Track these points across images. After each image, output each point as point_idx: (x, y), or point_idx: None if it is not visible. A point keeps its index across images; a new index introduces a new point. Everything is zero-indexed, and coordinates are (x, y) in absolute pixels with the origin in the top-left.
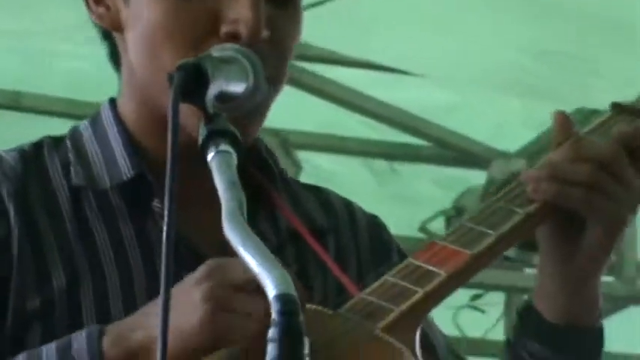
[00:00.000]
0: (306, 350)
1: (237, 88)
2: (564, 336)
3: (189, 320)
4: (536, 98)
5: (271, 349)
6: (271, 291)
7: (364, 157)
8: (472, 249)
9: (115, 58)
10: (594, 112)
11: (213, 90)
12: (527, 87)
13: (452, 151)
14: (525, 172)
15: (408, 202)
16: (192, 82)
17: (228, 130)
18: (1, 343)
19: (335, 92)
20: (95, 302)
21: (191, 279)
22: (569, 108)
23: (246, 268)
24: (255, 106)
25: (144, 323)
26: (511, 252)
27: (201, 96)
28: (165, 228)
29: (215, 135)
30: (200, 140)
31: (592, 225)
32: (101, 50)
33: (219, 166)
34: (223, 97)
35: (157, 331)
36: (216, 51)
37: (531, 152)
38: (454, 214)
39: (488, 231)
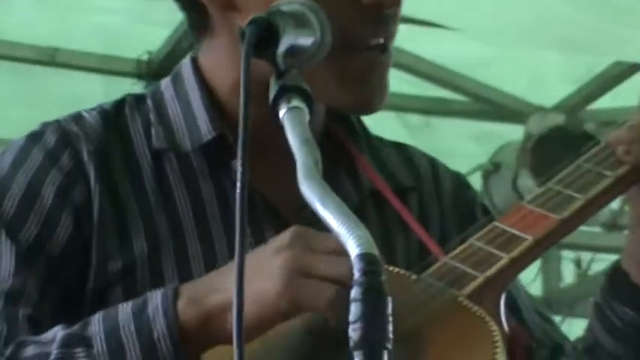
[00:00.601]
0: (390, 310)
1: (306, 41)
2: None
3: (269, 285)
4: (574, 51)
5: (354, 309)
6: (353, 250)
7: (399, 112)
8: (560, 213)
9: (200, 21)
10: (634, 66)
11: (283, 44)
12: (564, 40)
13: (488, 105)
14: (614, 134)
15: (443, 157)
16: (263, 37)
17: (300, 85)
18: (84, 303)
19: None
20: (177, 266)
21: (273, 244)
22: (607, 61)
23: (330, 238)
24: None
25: (220, 285)
26: None
27: (272, 50)
28: (239, 183)
29: (286, 91)
30: (271, 96)
31: None
32: (133, 4)
33: (292, 122)
34: (293, 51)
35: (231, 295)
36: (285, 5)
37: (569, 107)
38: (491, 169)
39: (577, 195)
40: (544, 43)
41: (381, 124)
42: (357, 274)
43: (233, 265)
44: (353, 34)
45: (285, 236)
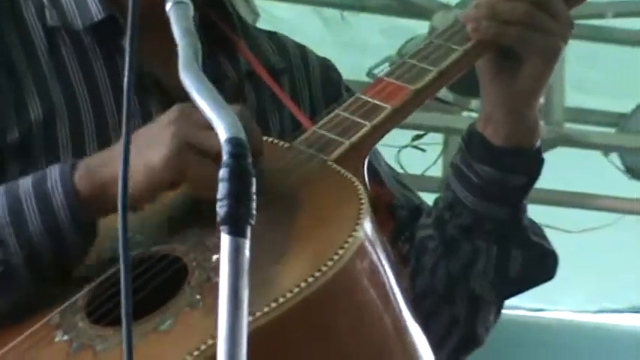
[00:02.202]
0: (254, 189)
1: None
2: (512, 157)
3: (158, 155)
4: None
5: (221, 188)
6: (222, 134)
7: (316, 6)
8: (415, 84)
9: None
10: None
11: None
12: None
13: (398, 2)
14: (464, 12)
15: (356, 49)
16: None
17: None
18: None
19: None
20: (71, 136)
21: (162, 119)
22: None
23: None
24: None
25: (114, 157)
26: (449, 96)
27: None
28: (126, 62)
29: None
30: None
31: (530, 58)
32: None
33: (177, 16)
34: None
35: (116, 168)
36: None
37: (471, 3)
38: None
39: (430, 67)
40: None
41: (298, 17)
42: (224, 156)
43: (114, 146)
44: None
45: (172, 111)
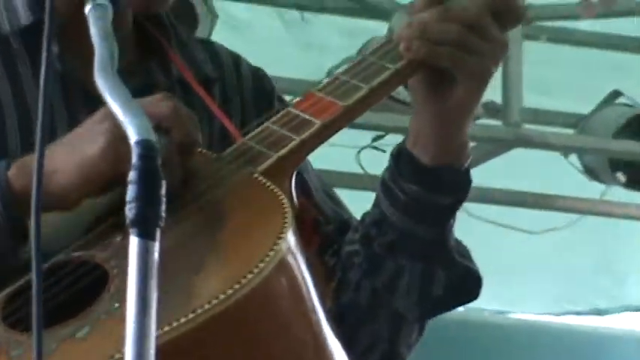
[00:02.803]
0: (163, 191)
1: None
2: (439, 176)
3: (92, 148)
4: None
5: (131, 190)
6: (132, 137)
7: (276, 7)
8: (345, 101)
9: None
10: None
11: None
12: None
13: (357, 3)
14: (398, 31)
15: (316, 49)
16: None
17: None
18: None
19: None
20: None
21: (96, 116)
22: None
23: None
24: None
25: (48, 156)
26: (410, 98)
27: None
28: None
29: None
30: None
31: (460, 79)
32: None
33: (95, 18)
34: None
35: (53, 162)
36: None
37: None
38: None
39: (361, 84)
40: None
41: (258, 18)
42: (134, 159)
43: (57, 141)
44: None
45: (103, 111)
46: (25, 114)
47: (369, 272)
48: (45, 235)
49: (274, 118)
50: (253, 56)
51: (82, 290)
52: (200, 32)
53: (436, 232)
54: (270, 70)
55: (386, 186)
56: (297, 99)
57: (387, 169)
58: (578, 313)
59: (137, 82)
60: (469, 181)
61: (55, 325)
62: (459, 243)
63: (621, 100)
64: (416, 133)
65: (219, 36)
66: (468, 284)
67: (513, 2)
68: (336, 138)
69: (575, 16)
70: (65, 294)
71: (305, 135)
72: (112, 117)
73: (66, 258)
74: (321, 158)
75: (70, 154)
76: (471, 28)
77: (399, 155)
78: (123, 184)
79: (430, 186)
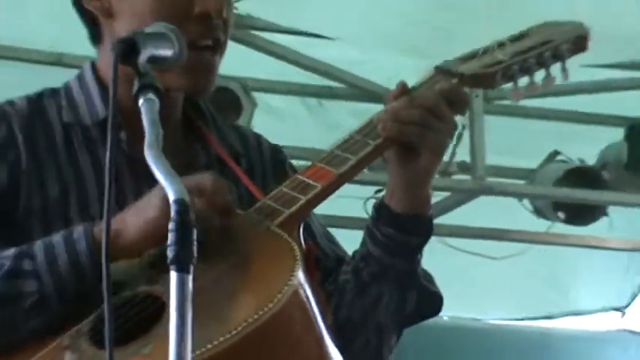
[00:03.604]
0: (194, 237)
1: (166, 52)
2: (407, 222)
3: (153, 211)
4: (416, 57)
5: (170, 237)
6: (171, 196)
7: (300, 96)
8: (338, 169)
9: (95, 36)
10: None
11: (144, 55)
12: (410, 48)
13: (362, 91)
14: (375, 115)
15: (331, 128)
16: (126, 49)
17: (153, 83)
18: (13, 231)
19: (278, 51)
20: (79, 208)
21: (154, 191)
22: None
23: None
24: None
25: (121, 220)
26: None
27: (134, 59)
28: (108, 152)
29: (143, 87)
30: (133, 91)
31: (424, 150)
32: None
33: (145, 110)
34: (156, 60)
35: (124, 223)
36: (148, 28)
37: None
38: None
39: (350, 156)
40: (396, 49)
41: (287, 105)
42: (172, 213)
43: (129, 207)
44: (188, 36)
45: (158, 186)
46: (102, 187)
47: (358, 295)
48: (117, 275)
49: (286, 183)
50: (283, 133)
51: (147, 317)
52: (244, 117)
53: (407, 264)
54: (296, 143)
55: (369, 230)
56: (303, 169)
57: (371, 217)
58: (533, 318)
59: (184, 159)
60: (431, 226)
61: (128, 343)
62: (425, 271)
63: (560, 157)
64: (391, 191)
65: (259, 119)
66: (432, 303)
67: (460, 93)
68: (348, 191)
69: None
70: (135, 319)
71: (309, 196)
72: (161, 189)
73: (135, 292)
74: (338, 207)
75: (136, 217)
76: (429, 111)
77: (380, 207)
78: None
79: (402, 230)
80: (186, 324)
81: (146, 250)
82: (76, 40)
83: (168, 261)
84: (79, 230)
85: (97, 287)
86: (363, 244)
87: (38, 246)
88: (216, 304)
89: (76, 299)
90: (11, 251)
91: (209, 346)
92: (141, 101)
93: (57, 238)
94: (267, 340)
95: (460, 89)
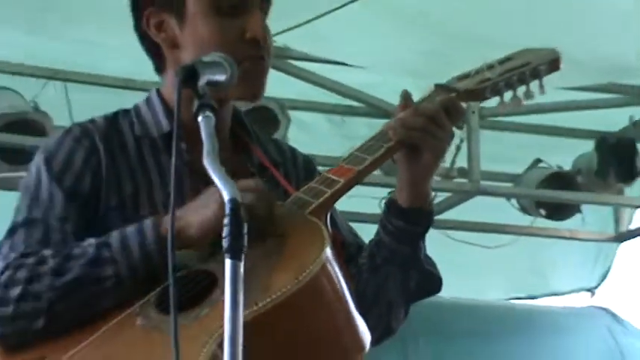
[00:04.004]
0: (245, 231)
1: (221, 77)
2: (411, 214)
3: (207, 211)
4: (422, 79)
5: (224, 230)
6: (225, 196)
7: (326, 114)
8: (358, 167)
9: (159, 65)
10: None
11: (202, 79)
12: (417, 72)
13: (377, 109)
14: (387, 123)
15: (351, 139)
16: (188, 75)
17: (210, 103)
18: (95, 224)
19: (309, 76)
20: (149, 205)
21: (208, 191)
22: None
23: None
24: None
25: (182, 214)
26: None
27: (194, 83)
28: (173, 159)
29: (202, 106)
30: (193, 110)
31: (426, 151)
32: None
33: (204, 126)
34: (212, 84)
35: (185, 220)
36: (205, 57)
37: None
38: None
39: (367, 157)
40: (404, 72)
41: (315, 120)
42: (227, 210)
43: (188, 204)
44: (242, 54)
45: (214, 186)
46: (166, 189)
47: (372, 274)
48: (181, 257)
49: (316, 180)
50: (311, 144)
51: (204, 287)
52: (280, 130)
53: (411, 249)
54: (321, 152)
55: (382, 221)
56: (330, 168)
57: (383, 211)
58: (520, 298)
59: (233, 167)
60: (432, 217)
61: (188, 310)
62: (428, 257)
63: (541, 164)
64: (399, 188)
65: (292, 132)
66: (432, 283)
67: (456, 105)
68: (366, 192)
69: (511, 113)
70: (195, 289)
71: (334, 189)
72: (218, 191)
73: (195, 268)
74: (359, 205)
75: (194, 215)
76: (431, 120)
77: (390, 202)
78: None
79: (407, 221)
80: (238, 300)
81: (203, 241)
82: (142, 68)
83: (224, 250)
84: (147, 224)
85: (163, 270)
86: (377, 233)
87: (114, 237)
88: (259, 276)
89: (146, 280)
90: (92, 241)
91: (254, 307)
92: (200, 118)
93: (130, 229)
94: (302, 302)
95: (457, 102)
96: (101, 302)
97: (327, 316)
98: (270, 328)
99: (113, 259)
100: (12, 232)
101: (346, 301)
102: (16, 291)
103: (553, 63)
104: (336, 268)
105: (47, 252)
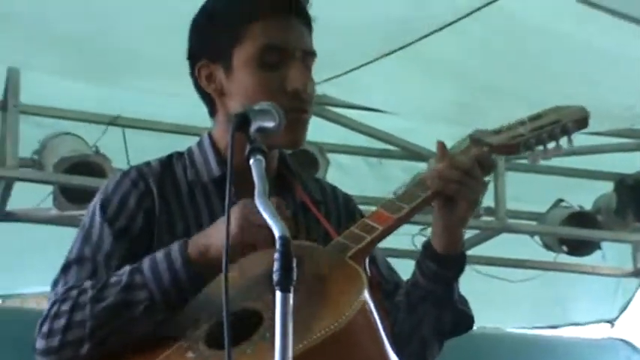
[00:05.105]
0: (294, 265)
1: (270, 124)
2: (446, 259)
3: (232, 228)
4: (453, 126)
5: (275, 264)
6: (277, 233)
7: (363, 156)
8: (397, 214)
9: (211, 110)
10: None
11: (254, 126)
12: (449, 119)
13: (411, 153)
14: (424, 173)
15: (387, 180)
16: (241, 122)
17: (260, 147)
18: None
19: (347, 122)
20: None
21: (233, 209)
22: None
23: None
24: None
25: (206, 235)
26: None
27: (247, 129)
28: (227, 199)
29: (253, 150)
30: (245, 153)
31: (460, 201)
32: None
33: (255, 168)
34: (262, 130)
35: (212, 239)
36: (256, 105)
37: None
38: None
39: (405, 205)
40: (437, 120)
41: (353, 163)
42: (277, 245)
43: (214, 225)
44: (284, 106)
45: (237, 205)
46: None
47: (408, 313)
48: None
49: (356, 225)
50: (350, 185)
51: (249, 326)
52: (320, 172)
53: (446, 291)
54: (359, 193)
55: (418, 263)
56: (369, 213)
57: (420, 253)
58: (542, 327)
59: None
60: (464, 261)
61: (236, 346)
62: (461, 297)
63: (563, 204)
64: (434, 233)
65: (331, 174)
66: (465, 322)
67: (489, 159)
68: (401, 229)
69: None
70: (241, 328)
71: (373, 235)
72: (236, 211)
73: (242, 307)
74: (394, 241)
75: (220, 232)
76: (466, 173)
77: (426, 246)
78: (247, 248)
79: (441, 265)
80: (288, 331)
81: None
82: (194, 115)
83: (274, 283)
84: (175, 247)
85: (194, 293)
86: (414, 274)
87: (145, 263)
88: (303, 317)
89: (178, 305)
90: (127, 268)
91: (300, 345)
92: (252, 161)
93: (159, 254)
94: (341, 343)
95: (489, 156)
96: (138, 326)
97: (365, 352)
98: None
99: (144, 284)
100: (66, 268)
101: (382, 342)
102: (61, 322)
103: (582, 121)
104: (373, 310)
105: (88, 283)
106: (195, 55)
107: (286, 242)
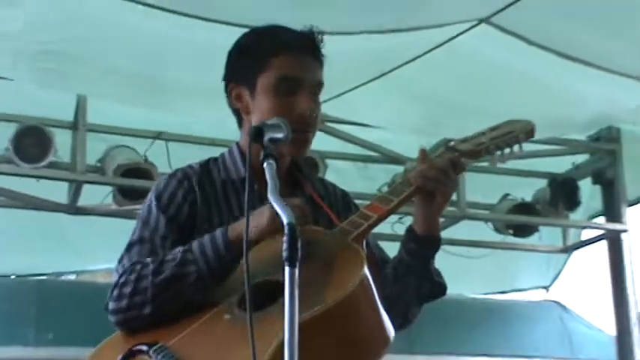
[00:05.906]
0: (300, 246)
1: (279, 135)
2: (425, 240)
3: (264, 219)
4: (427, 136)
5: (284, 245)
6: (284, 219)
7: (352, 162)
8: (387, 206)
9: (240, 123)
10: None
11: (266, 137)
12: (421, 131)
13: (390, 158)
14: (409, 173)
15: (372, 180)
16: (256, 133)
17: (272, 153)
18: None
19: (341, 135)
20: None
21: (262, 208)
22: (436, 140)
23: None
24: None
25: (242, 223)
26: None
27: (261, 139)
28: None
29: (266, 156)
30: (260, 158)
31: (438, 196)
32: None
33: (268, 170)
34: (273, 140)
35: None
36: (269, 120)
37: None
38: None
39: (393, 198)
40: (412, 132)
41: (344, 167)
42: (285, 230)
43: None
44: (292, 126)
45: (267, 205)
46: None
47: (394, 283)
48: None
49: (356, 214)
50: (343, 184)
51: (272, 293)
52: (320, 173)
53: (425, 266)
54: (350, 190)
55: (403, 244)
56: (365, 204)
57: (404, 236)
58: (493, 293)
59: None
60: (440, 242)
61: (263, 308)
62: (436, 270)
63: (509, 197)
64: (415, 220)
65: (328, 175)
66: (439, 290)
67: (460, 162)
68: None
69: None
70: (265, 295)
71: (370, 222)
72: (269, 207)
73: (265, 278)
74: (378, 227)
75: (252, 221)
76: (443, 173)
77: (409, 230)
78: (276, 233)
79: (421, 245)
80: (294, 302)
81: (260, 240)
82: (223, 130)
83: (283, 259)
84: (217, 232)
85: (235, 267)
86: (399, 252)
87: (194, 244)
88: (311, 289)
89: (220, 276)
90: (180, 248)
91: (310, 311)
92: (265, 164)
93: (205, 237)
94: (346, 310)
95: (460, 160)
96: (190, 294)
97: (364, 318)
98: (323, 327)
99: (194, 260)
100: (129, 247)
101: (378, 307)
102: (128, 289)
103: (530, 132)
104: (371, 282)
105: (148, 259)
106: (228, 79)
107: (292, 227)
